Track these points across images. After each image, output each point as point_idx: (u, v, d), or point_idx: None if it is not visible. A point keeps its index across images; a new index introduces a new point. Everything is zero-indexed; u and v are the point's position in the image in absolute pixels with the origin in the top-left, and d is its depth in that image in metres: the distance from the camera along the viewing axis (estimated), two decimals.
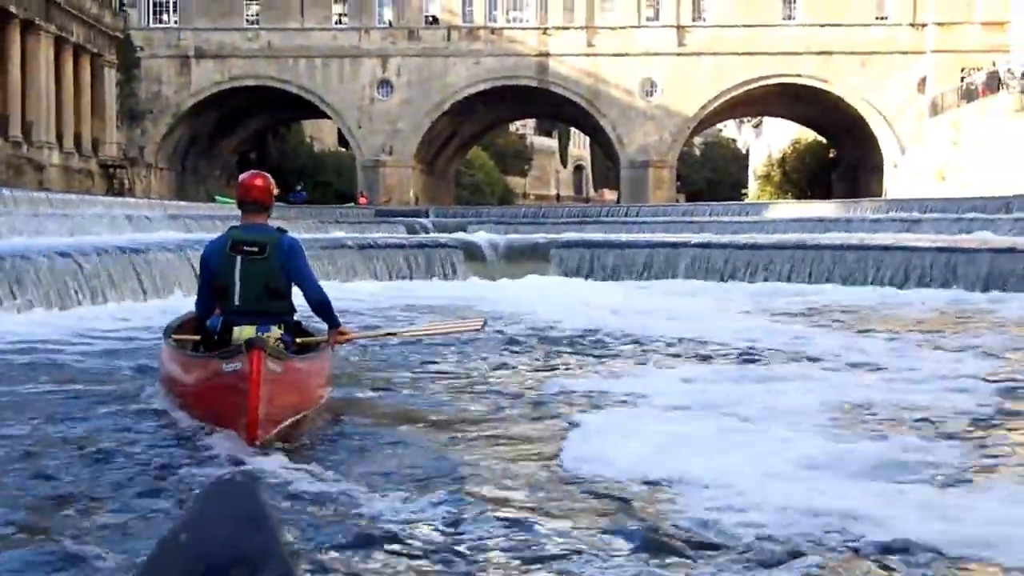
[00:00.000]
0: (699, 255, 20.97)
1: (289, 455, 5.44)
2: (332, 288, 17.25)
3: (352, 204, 50.48)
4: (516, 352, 10.02)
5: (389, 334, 8.76)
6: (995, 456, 5.36)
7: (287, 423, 6.07)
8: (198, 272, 7.04)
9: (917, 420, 6.19)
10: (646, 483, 4.69)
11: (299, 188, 54.17)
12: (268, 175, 6.93)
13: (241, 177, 6.86)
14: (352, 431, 6.31)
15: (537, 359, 9.52)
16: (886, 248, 19.47)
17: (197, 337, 6.96)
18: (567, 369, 8.83)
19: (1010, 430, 6.01)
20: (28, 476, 5.08)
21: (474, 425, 6.41)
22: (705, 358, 9.35)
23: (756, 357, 9.34)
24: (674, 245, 21.95)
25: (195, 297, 7.11)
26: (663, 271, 21.08)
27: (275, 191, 6.84)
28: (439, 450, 5.72)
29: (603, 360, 9.31)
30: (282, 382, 5.91)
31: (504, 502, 4.58)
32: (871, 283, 18.38)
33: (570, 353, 9.87)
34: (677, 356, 9.53)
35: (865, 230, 24.08)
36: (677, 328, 11.58)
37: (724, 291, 18.17)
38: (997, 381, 7.64)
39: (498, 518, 4.27)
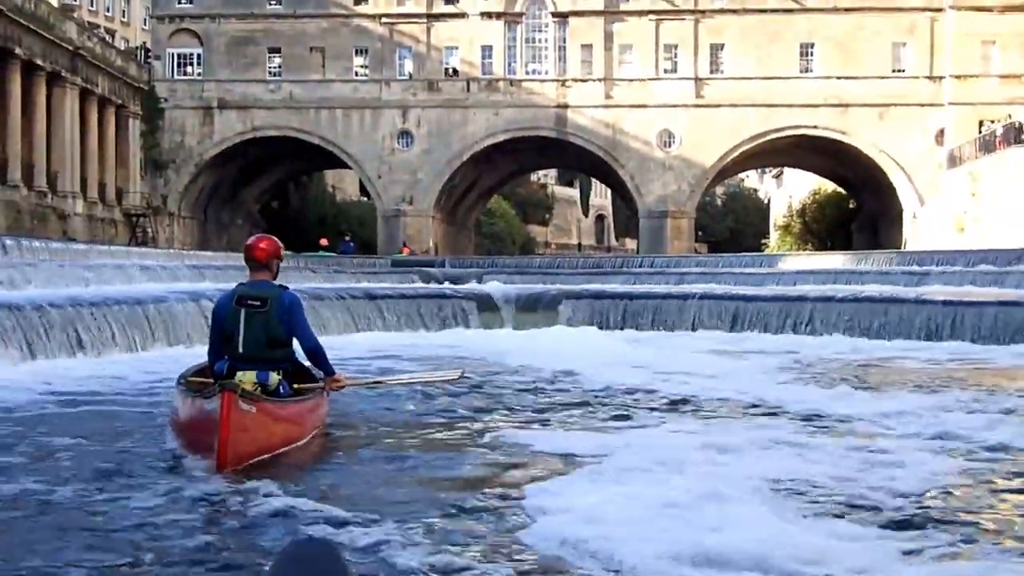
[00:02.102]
0: (707, 306, 21.02)
1: (255, 481, 6.13)
2: (344, 338, 17.62)
3: (400, 253, 50.95)
4: (505, 402, 10.13)
5: (377, 382, 9.47)
6: (926, 549, 4.98)
7: (266, 455, 6.84)
8: (210, 322, 7.84)
9: (866, 502, 5.87)
10: (582, 552, 4.74)
11: (347, 239, 54.53)
12: (274, 238, 7.83)
13: (249, 240, 7.76)
14: (323, 467, 7.05)
15: (524, 410, 9.61)
16: (893, 300, 19.44)
17: (211, 380, 7.57)
18: (549, 422, 8.91)
19: (959, 518, 5.59)
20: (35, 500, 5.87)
21: (438, 472, 6.67)
22: (695, 411, 9.40)
23: (744, 414, 9.34)
24: (682, 296, 22.00)
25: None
26: (671, 322, 21.09)
27: (281, 252, 7.74)
28: (403, 495, 6.05)
29: (586, 414, 9.40)
30: (255, 420, 6.69)
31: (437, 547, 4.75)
32: (884, 336, 18.26)
33: (558, 404, 9.94)
34: (661, 411, 9.54)
35: (875, 282, 24.09)
36: (671, 382, 11.62)
37: (728, 342, 18.17)
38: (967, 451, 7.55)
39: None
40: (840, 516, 5.53)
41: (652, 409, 9.68)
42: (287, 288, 7.60)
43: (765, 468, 6.47)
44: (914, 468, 6.64)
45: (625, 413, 9.37)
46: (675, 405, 9.96)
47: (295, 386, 7.69)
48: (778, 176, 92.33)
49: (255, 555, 4.79)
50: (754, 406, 9.74)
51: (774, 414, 9.28)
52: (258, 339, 7.31)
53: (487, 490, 6.05)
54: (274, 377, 7.38)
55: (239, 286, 7.56)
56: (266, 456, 6.82)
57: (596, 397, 10.56)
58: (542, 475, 6.44)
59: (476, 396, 10.57)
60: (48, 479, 6.28)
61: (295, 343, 7.58)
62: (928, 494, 6.04)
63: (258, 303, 7.34)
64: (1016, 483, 6.50)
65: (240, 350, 7.32)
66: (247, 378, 7.22)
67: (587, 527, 4.96)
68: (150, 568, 4.63)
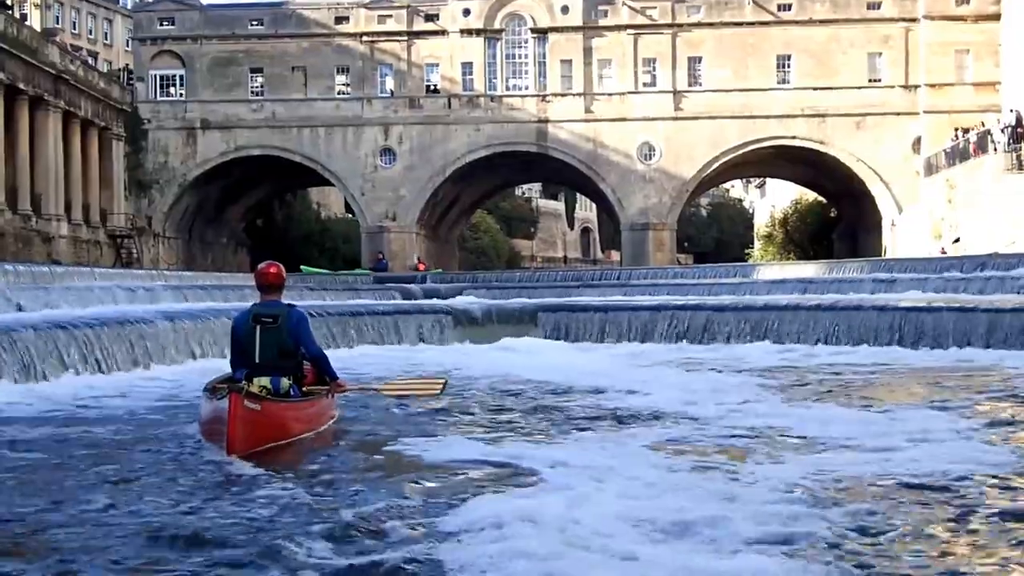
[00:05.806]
0: (678, 317, 21.42)
1: (254, 464, 7.51)
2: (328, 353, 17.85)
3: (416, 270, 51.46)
4: (472, 416, 10.50)
5: (372, 389, 10.78)
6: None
7: (271, 444, 8.14)
8: (230, 338, 9.21)
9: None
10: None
11: (381, 258, 54.79)
12: (280, 264, 9.20)
13: (259, 267, 9.11)
14: (319, 457, 8.12)
15: (481, 424, 9.96)
16: (859, 308, 19.81)
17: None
18: (496, 434, 9.24)
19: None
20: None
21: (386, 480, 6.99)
22: (639, 425, 9.66)
23: (686, 433, 9.32)
24: (655, 308, 22.42)
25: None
26: (645, 333, 21.46)
27: (285, 275, 9.21)
28: (363, 491, 6.77)
29: (533, 426, 9.78)
30: (259, 416, 7.98)
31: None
32: (854, 343, 18.60)
33: (517, 420, 10.25)
34: (605, 424, 9.84)
35: (844, 290, 24.52)
36: (621, 392, 11.94)
37: (699, 353, 18.56)
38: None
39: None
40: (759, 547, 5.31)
41: (595, 422, 9.97)
42: (294, 306, 8.97)
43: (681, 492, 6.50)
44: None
45: (569, 426, 9.69)
46: (620, 419, 10.14)
47: (304, 389, 9.02)
48: (761, 186, 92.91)
49: (242, 524, 5.87)
50: (714, 423, 9.65)
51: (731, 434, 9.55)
52: (271, 351, 8.65)
53: (412, 508, 6.25)
54: (285, 382, 8.72)
55: (254, 306, 8.92)
56: (272, 445, 8.12)
57: (547, 408, 10.91)
58: (478, 492, 6.62)
59: (450, 406, 11.04)
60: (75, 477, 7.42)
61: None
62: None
63: (271, 320, 8.69)
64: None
65: (256, 360, 8.65)
66: (262, 383, 8.53)
67: (514, 558, 5.07)
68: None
